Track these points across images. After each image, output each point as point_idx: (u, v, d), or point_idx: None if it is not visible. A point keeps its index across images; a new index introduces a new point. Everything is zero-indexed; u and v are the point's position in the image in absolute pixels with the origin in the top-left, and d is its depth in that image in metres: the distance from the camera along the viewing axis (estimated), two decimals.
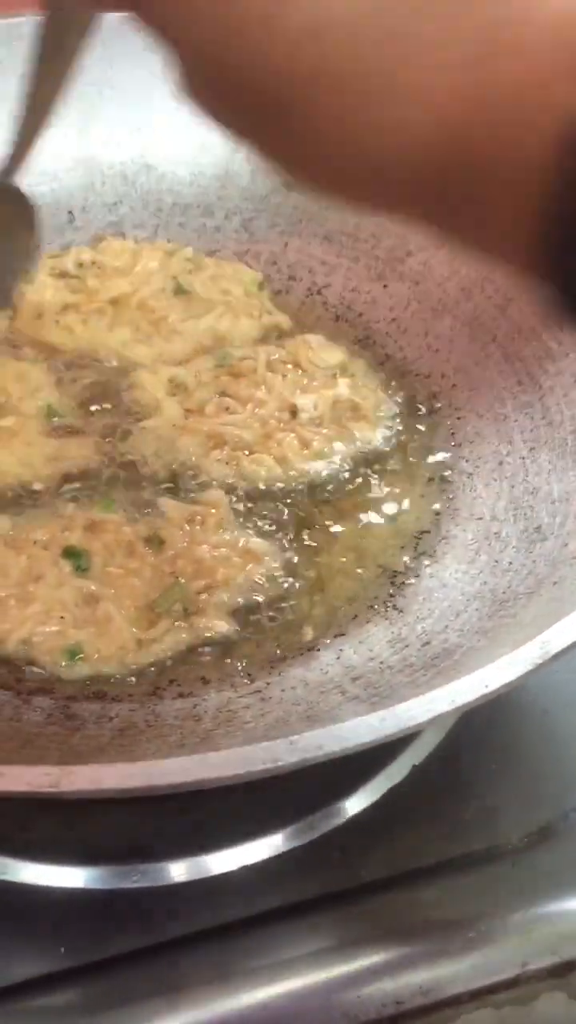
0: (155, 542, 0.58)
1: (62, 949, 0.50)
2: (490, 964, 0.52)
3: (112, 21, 0.72)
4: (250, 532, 0.61)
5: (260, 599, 0.58)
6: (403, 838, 0.56)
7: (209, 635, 0.56)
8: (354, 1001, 0.50)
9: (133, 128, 0.81)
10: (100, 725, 0.50)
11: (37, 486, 0.63)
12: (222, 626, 0.56)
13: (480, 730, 0.60)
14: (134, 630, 0.55)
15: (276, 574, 0.59)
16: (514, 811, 0.57)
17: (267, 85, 0.25)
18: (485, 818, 0.57)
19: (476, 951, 0.52)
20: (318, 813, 0.56)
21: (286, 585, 0.59)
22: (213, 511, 0.60)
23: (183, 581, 0.57)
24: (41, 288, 0.73)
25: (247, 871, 0.53)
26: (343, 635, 0.56)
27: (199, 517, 0.60)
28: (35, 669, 0.53)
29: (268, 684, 0.53)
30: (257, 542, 0.60)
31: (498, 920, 0.53)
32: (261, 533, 0.62)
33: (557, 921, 0.53)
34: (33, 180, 0.73)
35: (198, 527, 0.59)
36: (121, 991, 0.50)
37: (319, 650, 0.55)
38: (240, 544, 0.59)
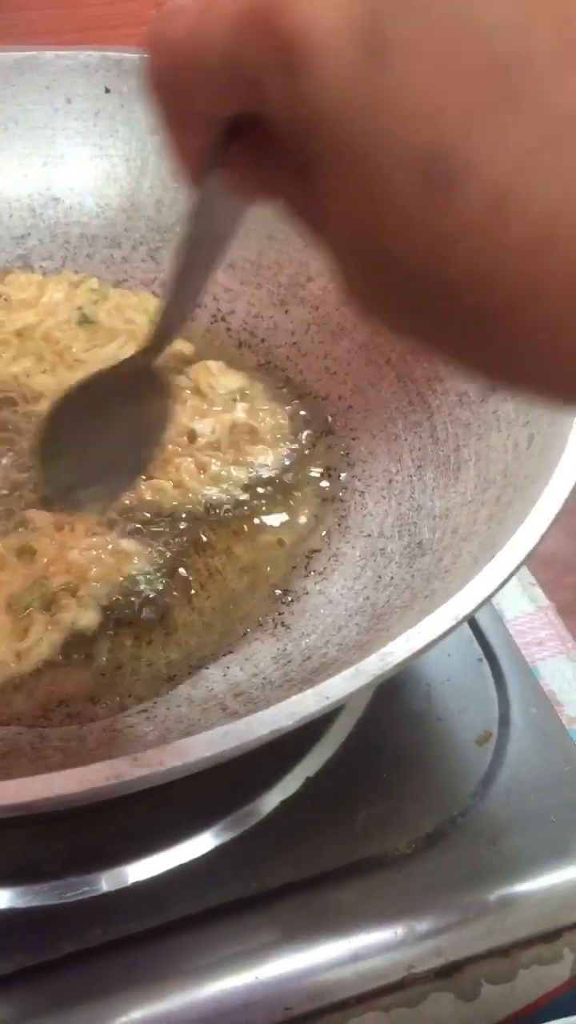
0: (27, 553, 0.60)
1: None
2: (377, 968, 0.54)
3: (10, 60, 0.75)
4: (122, 536, 0.62)
5: (134, 601, 0.60)
6: (296, 848, 0.57)
7: (79, 626, 0.58)
8: (240, 1008, 0.51)
9: (39, 162, 0.82)
10: None
11: None
12: (89, 616, 0.58)
13: (375, 739, 0.62)
14: (13, 643, 0.56)
15: (153, 577, 0.61)
16: (403, 819, 0.59)
17: (474, 299, 0.21)
18: (375, 826, 0.58)
19: (363, 956, 0.54)
20: (216, 825, 0.58)
21: (168, 597, 0.60)
22: (83, 516, 0.62)
23: (46, 579, 0.58)
24: None
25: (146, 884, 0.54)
26: (231, 653, 0.58)
27: (68, 525, 0.62)
28: None
29: (155, 703, 0.55)
30: (128, 542, 0.62)
31: (385, 924, 0.55)
32: (160, 550, 0.63)
33: (441, 924, 0.55)
34: None
35: (68, 533, 0.61)
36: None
37: (207, 668, 0.57)
38: (110, 545, 0.61)
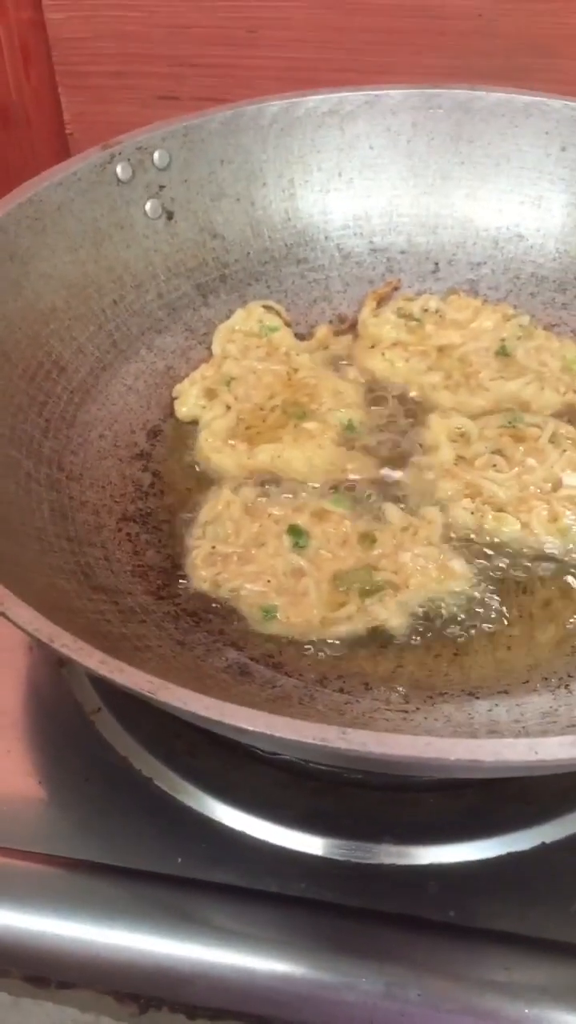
0: (368, 540, 0.66)
1: None
2: None
3: (520, 103, 0.81)
4: (455, 554, 0.66)
5: (444, 619, 0.63)
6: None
7: (384, 626, 0.62)
8: None
9: (517, 199, 0.87)
10: (263, 688, 0.59)
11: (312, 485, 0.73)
12: (398, 622, 0.62)
13: None
14: (323, 609, 0.63)
15: (470, 603, 0.64)
16: None
17: None
18: None
19: None
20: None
21: (476, 625, 0.63)
22: (428, 525, 0.67)
23: (375, 570, 0.64)
24: (383, 323, 0.83)
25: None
26: (506, 693, 0.59)
27: (413, 528, 0.67)
28: (236, 624, 0.63)
29: (418, 709, 0.58)
30: (458, 563, 0.65)
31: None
32: (483, 580, 0.66)
33: None
34: (413, 231, 0.84)
35: (409, 536, 0.66)
36: None
37: (478, 698, 0.59)
38: (440, 559, 0.65)
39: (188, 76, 1.08)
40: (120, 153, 0.79)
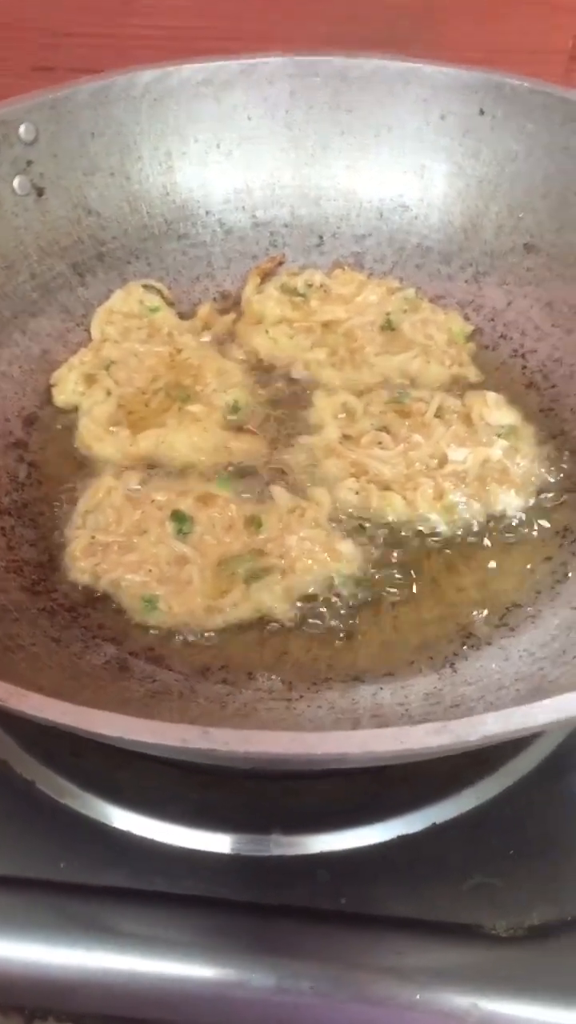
0: (254, 524, 0.64)
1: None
2: None
3: (396, 70, 0.79)
4: (342, 536, 0.65)
5: (330, 602, 0.62)
6: (397, 885, 0.57)
7: (270, 612, 0.61)
8: None
9: (399, 170, 0.86)
10: (142, 683, 0.57)
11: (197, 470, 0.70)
12: (284, 608, 0.61)
13: (519, 811, 0.60)
14: (207, 597, 0.61)
15: (357, 585, 0.63)
16: (514, 901, 0.56)
17: None
18: (481, 896, 0.56)
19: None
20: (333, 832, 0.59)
21: (362, 608, 0.62)
22: (316, 506, 0.66)
23: (261, 555, 0.62)
24: (266, 299, 0.81)
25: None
26: (391, 676, 0.58)
27: (300, 510, 0.65)
28: (112, 619, 0.61)
29: (301, 697, 0.57)
30: (346, 545, 0.64)
31: (447, 994, 0.53)
32: (370, 561, 0.65)
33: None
34: (296, 203, 0.82)
35: (296, 518, 0.64)
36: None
37: (363, 682, 0.58)
38: (328, 541, 0.63)
39: (63, 46, 1.04)
40: None
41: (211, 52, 0.98)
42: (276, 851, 0.57)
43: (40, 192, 0.79)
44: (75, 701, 0.50)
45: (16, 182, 0.77)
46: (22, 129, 0.77)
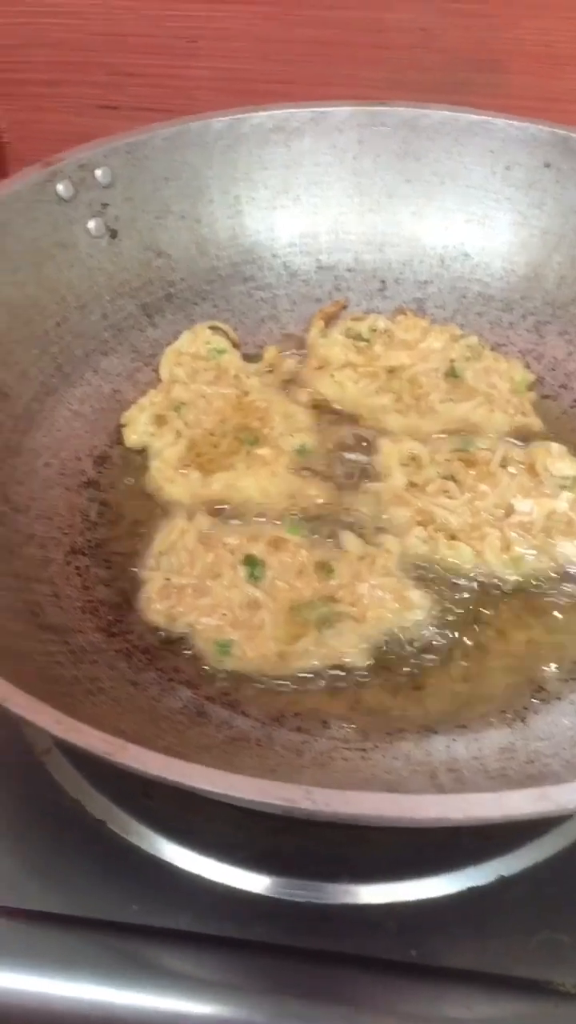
0: (325, 570, 0.65)
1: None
2: None
3: (465, 122, 0.80)
4: (412, 584, 0.65)
5: (401, 650, 0.63)
6: (463, 937, 0.58)
7: (343, 660, 0.62)
8: None
9: (462, 218, 0.87)
10: (219, 729, 0.57)
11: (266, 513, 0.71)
12: (356, 655, 0.62)
13: None
14: (280, 643, 0.62)
15: (427, 634, 0.63)
16: None
17: None
18: (548, 952, 0.57)
19: None
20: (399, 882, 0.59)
21: (433, 657, 0.62)
22: (386, 553, 0.66)
23: (333, 602, 0.63)
24: (332, 344, 0.82)
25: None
26: (464, 727, 0.59)
27: (370, 557, 0.66)
28: (187, 662, 0.62)
29: (376, 747, 0.58)
30: (417, 594, 0.65)
31: None
32: (439, 610, 0.66)
33: None
34: (360, 248, 0.84)
35: (367, 565, 0.65)
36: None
37: (436, 733, 0.59)
38: (398, 589, 0.64)
39: (126, 85, 1.06)
40: (62, 171, 0.76)
41: (272, 95, 1.00)
42: (345, 899, 0.58)
43: (114, 234, 0.81)
44: (157, 747, 0.51)
45: (92, 224, 0.79)
46: (99, 173, 0.79)
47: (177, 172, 0.83)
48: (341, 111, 0.85)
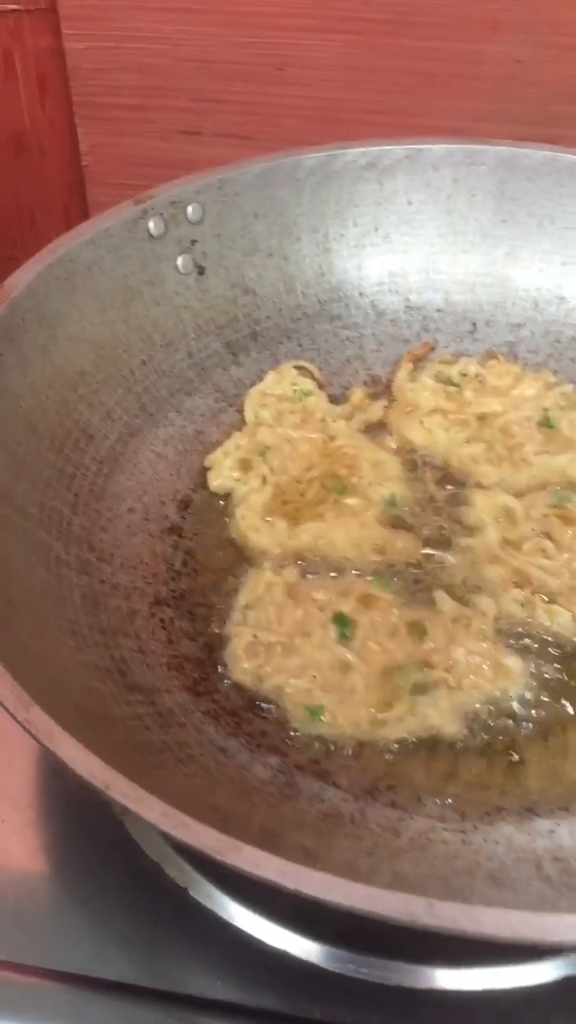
0: (418, 631, 0.63)
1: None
2: None
3: (567, 162, 0.78)
4: (509, 651, 0.63)
5: (497, 721, 0.60)
6: None
7: (437, 730, 0.59)
8: None
9: (559, 260, 0.84)
10: (311, 803, 0.55)
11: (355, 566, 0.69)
12: (451, 725, 0.59)
13: None
14: (372, 709, 0.59)
15: (522, 703, 0.61)
16: None
17: None
18: None
19: None
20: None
21: (529, 728, 0.60)
22: (481, 616, 0.64)
23: (428, 667, 0.61)
24: (421, 388, 0.80)
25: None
26: (566, 811, 0.56)
27: (465, 619, 0.63)
28: (275, 726, 0.60)
29: (476, 828, 0.55)
30: (514, 660, 0.62)
31: None
32: (536, 679, 0.63)
33: None
34: (451, 289, 0.81)
35: (462, 628, 0.63)
36: None
37: (538, 815, 0.56)
38: (495, 656, 0.62)
39: (211, 111, 1.04)
40: (153, 208, 0.75)
41: (360, 125, 0.98)
42: (438, 984, 0.55)
43: (201, 271, 0.79)
44: (253, 825, 0.49)
45: (180, 261, 0.78)
46: (190, 209, 0.77)
47: (267, 208, 0.81)
48: (437, 148, 0.82)
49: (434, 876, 0.50)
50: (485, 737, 0.60)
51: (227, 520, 0.72)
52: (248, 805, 0.54)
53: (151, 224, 0.75)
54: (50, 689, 0.52)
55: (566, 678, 0.63)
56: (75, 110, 1.06)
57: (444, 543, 0.71)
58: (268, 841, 0.49)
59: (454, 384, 0.80)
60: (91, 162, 1.09)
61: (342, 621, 0.64)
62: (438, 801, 0.57)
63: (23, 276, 0.67)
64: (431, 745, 0.60)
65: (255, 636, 0.64)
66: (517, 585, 0.67)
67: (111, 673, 0.59)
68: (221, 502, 0.74)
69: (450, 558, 0.70)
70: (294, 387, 0.79)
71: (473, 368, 0.81)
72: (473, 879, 0.51)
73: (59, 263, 0.69)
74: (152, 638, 0.64)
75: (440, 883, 0.50)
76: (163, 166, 1.06)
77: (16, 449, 0.64)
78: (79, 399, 0.71)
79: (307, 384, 0.80)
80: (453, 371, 0.81)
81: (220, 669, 0.63)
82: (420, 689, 0.61)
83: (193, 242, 0.78)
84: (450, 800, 0.57)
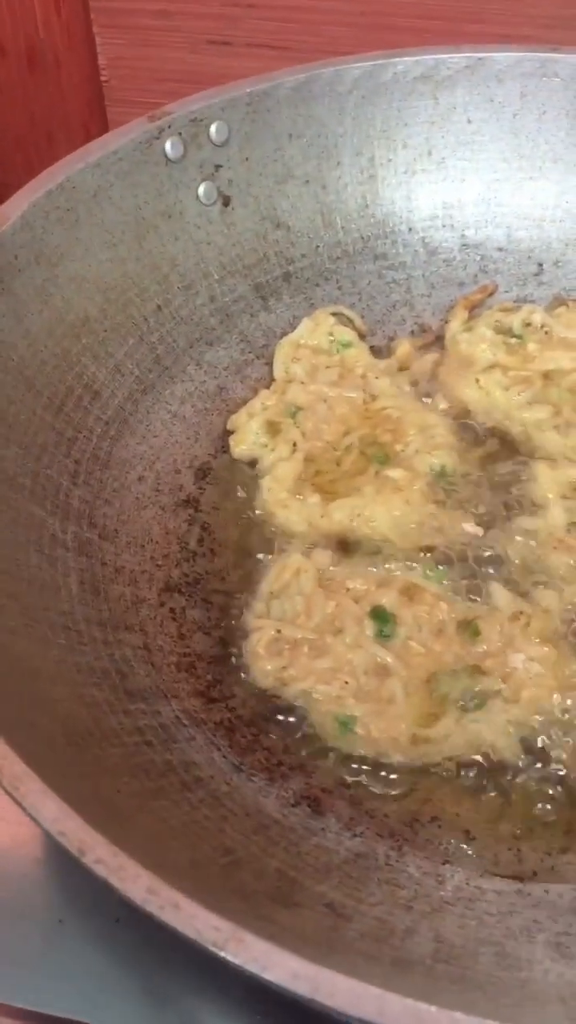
0: (469, 630, 0.54)
1: None
2: None
3: None
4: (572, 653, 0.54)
5: (558, 741, 0.51)
6: None
7: (487, 751, 0.51)
8: None
9: None
10: (339, 840, 0.47)
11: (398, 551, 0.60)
12: (506, 745, 0.51)
13: None
14: (413, 723, 0.51)
15: None
16: None
17: None
18: None
19: None
20: None
21: None
22: (543, 613, 0.54)
23: (480, 674, 0.52)
24: (477, 340, 0.70)
25: None
26: None
27: (525, 617, 0.54)
28: (299, 740, 0.51)
29: (535, 875, 0.46)
30: None
31: None
32: None
33: None
34: (514, 224, 0.70)
35: (521, 628, 0.53)
36: None
37: None
38: (558, 663, 0.52)
39: (243, 18, 0.92)
40: (170, 126, 0.64)
41: (411, 32, 0.86)
42: None
43: (227, 201, 0.68)
44: (269, 870, 0.41)
45: (201, 189, 0.67)
46: (213, 129, 0.66)
47: (302, 128, 0.70)
48: (504, 57, 0.70)
49: (484, 941, 0.42)
50: (544, 762, 0.51)
51: (251, 493, 0.63)
52: (264, 843, 0.45)
53: (168, 145, 0.64)
54: (31, 702, 0.44)
55: None
56: (93, 17, 0.95)
57: (501, 524, 0.61)
58: (286, 894, 0.41)
59: (516, 336, 0.70)
60: (111, 76, 0.98)
61: (381, 616, 0.55)
62: (492, 842, 0.48)
63: (16, 205, 0.58)
64: (484, 770, 0.51)
65: (279, 631, 0.55)
66: None
67: (109, 676, 0.50)
68: (245, 471, 0.64)
69: (508, 542, 0.60)
70: (331, 337, 0.69)
71: (538, 317, 0.70)
72: (532, 943, 0.42)
73: (59, 190, 0.59)
74: (160, 632, 0.55)
75: (491, 951, 0.41)
76: (190, 81, 0.94)
77: (7, 408, 0.55)
78: (83, 350, 0.61)
79: (346, 334, 0.70)
80: (515, 320, 0.70)
81: (237, 669, 0.55)
82: (470, 700, 0.52)
83: (217, 167, 0.67)
84: (505, 841, 0.48)
